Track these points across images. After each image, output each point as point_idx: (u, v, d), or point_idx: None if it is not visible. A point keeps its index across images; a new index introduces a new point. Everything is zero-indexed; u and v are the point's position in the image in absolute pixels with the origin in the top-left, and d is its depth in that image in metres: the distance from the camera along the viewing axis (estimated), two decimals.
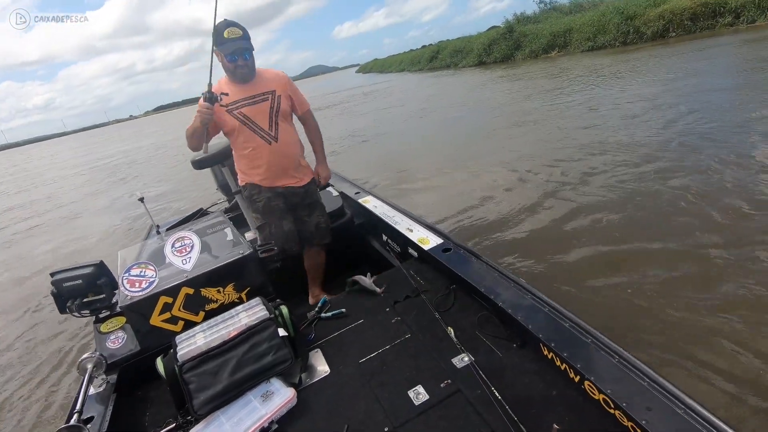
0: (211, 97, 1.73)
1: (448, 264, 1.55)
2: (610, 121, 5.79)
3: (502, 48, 21.89)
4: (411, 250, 1.83)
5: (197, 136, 1.84)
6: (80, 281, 1.54)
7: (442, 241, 1.71)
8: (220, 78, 1.90)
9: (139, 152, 18.64)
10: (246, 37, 1.80)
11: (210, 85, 1.75)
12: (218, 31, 1.77)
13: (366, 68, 71.16)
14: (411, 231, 1.86)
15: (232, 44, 1.76)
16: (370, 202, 2.28)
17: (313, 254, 2.13)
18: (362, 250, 2.12)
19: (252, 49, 1.83)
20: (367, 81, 38.68)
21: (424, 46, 47.70)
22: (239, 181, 2.04)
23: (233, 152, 1.99)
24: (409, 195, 4.86)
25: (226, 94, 1.80)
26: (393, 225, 1.97)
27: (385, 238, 2.11)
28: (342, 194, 2.53)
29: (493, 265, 1.46)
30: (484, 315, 1.36)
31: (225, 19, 1.80)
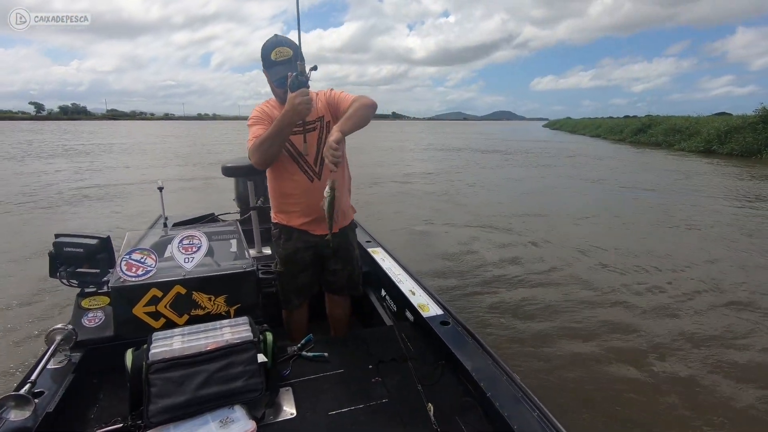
0: (301, 81, 1.42)
1: (442, 337, 1.51)
2: None
3: (747, 139, 17.12)
4: (407, 313, 1.80)
5: (279, 143, 1.51)
6: (81, 250, 1.49)
7: (442, 312, 1.68)
8: (269, 99, 1.70)
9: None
10: (297, 57, 1.51)
11: (300, 62, 1.43)
12: (265, 50, 1.54)
13: (555, 124, 67.03)
14: (413, 294, 1.83)
15: (282, 68, 1.52)
16: (379, 254, 2.28)
17: (338, 302, 1.96)
18: (357, 299, 2.10)
19: (303, 58, 1.52)
20: (553, 137, 36.92)
21: (626, 116, 45.78)
22: (272, 218, 1.82)
23: (269, 183, 1.76)
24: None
25: (315, 68, 1.50)
26: (396, 282, 1.94)
27: (383, 293, 2.08)
28: None
29: (490, 352, 1.42)
30: (468, 401, 1.31)
31: (275, 36, 1.56)
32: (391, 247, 2.45)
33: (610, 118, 49.68)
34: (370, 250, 2.34)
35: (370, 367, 1.50)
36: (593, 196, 9.18)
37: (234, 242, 1.69)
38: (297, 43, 1.55)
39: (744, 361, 2.92)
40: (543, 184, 10.62)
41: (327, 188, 1.42)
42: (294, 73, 1.44)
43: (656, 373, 2.70)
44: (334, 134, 1.39)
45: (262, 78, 1.65)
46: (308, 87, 1.47)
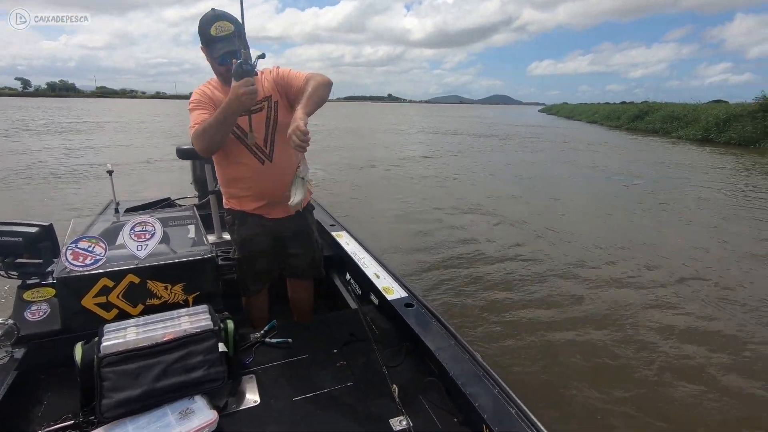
0: (246, 70, 1.31)
1: (406, 319, 1.50)
2: None
3: (746, 129, 16.81)
4: (372, 296, 1.78)
5: (224, 131, 1.41)
6: (20, 239, 1.41)
7: (406, 294, 1.66)
8: (210, 79, 1.57)
9: None
10: (239, 32, 1.40)
11: (245, 50, 1.33)
12: (203, 25, 1.42)
13: (551, 110, 67.52)
14: (378, 277, 1.80)
15: (223, 44, 1.41)
16: (343, 238, 2.23)
17: (301, 286, 1.91)
18: (321, 282, 2.06)
19: (247, 45, 1.41)
20: (550, 122, 37.00)
21: (623, 102, 46.48)
22: (224, 204, 1.73)
23: (216, 168, 1.67)
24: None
25: (262, 56, 1.40)
26: (360, 266, 1.91)
27: (348, 277, 2.05)
28: (316, 222, 2.49)
29: (453, 332, 1.42)
30: (432, 381, 1.31)
31: (213, 9, 1.43)
32: (356, 230, 2.42)
33: (607, 103, 48.79)
34: (334, 233, 2.29)
35: (335, 351, 1.47)
36: (586, 183, 9.16)
37: (192, 228, 1.62)
38: (241, 23, 1.42)
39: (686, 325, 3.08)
40: (537, 171, 10.54)
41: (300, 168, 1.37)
42: (239, 60, 1.32)
43: (618, 352, 2.74)
44: (303, 118, 1.32)
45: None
46: (255, 75, 1.36)
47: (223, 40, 1.42)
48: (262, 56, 1.41)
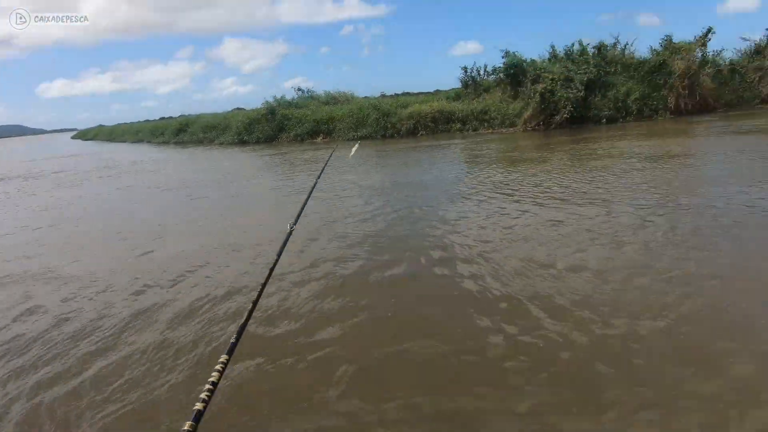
0: None
1: None
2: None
3: (264, 129, 21.59)
4: None
5: None
6: None
7: None
8: None
9: None
10: None
11: None
12: None
13: (87, 134, 59.01)
14: None
15: None
16: None
17: None
18: None
19: None
20: (88, 148, 33.59)
21: (162, 118, 45.08)
22: None
23: None
24: None
25: None
26: None
27: None
28: None
29: None
30: None
31: None
32: None
33: (147, 121, 47.33)
34: None
35: None
36: (150, 206, 8.89)
37: None
38: None
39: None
40: (75, 210, 8.98)
41: None
42: None
43: None
44: None
45: None
46: None
47: None
48: None
